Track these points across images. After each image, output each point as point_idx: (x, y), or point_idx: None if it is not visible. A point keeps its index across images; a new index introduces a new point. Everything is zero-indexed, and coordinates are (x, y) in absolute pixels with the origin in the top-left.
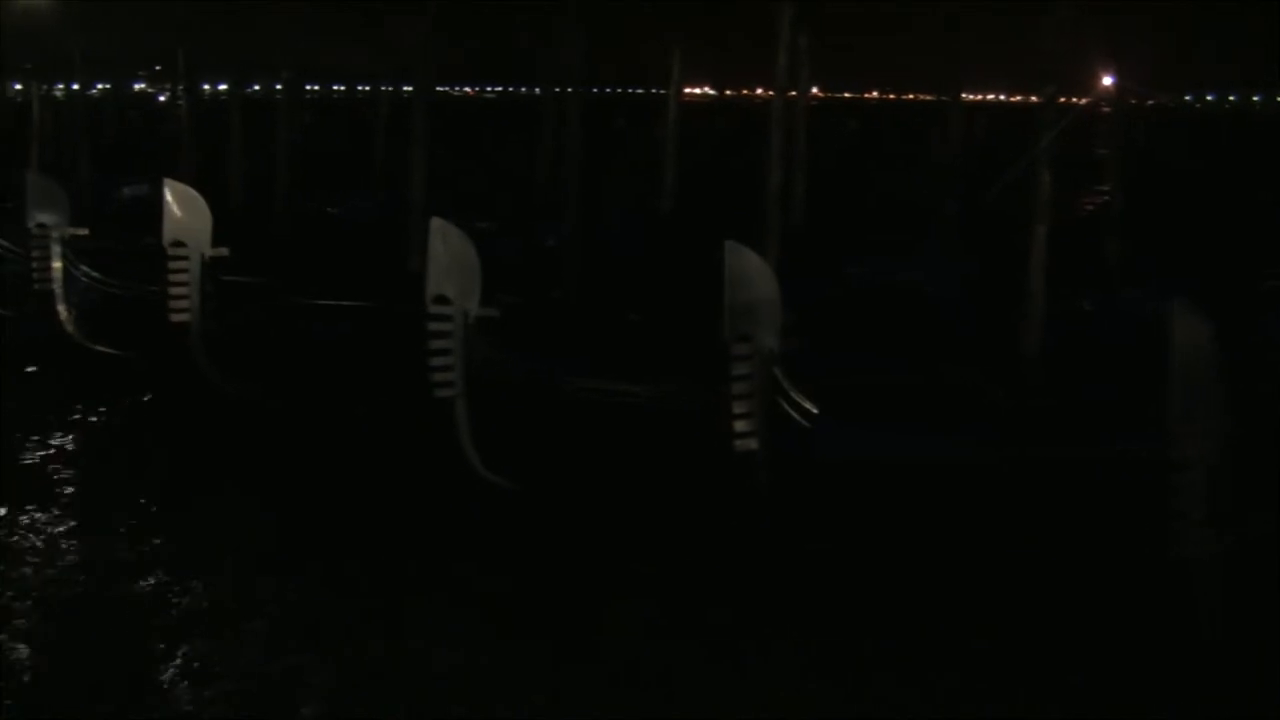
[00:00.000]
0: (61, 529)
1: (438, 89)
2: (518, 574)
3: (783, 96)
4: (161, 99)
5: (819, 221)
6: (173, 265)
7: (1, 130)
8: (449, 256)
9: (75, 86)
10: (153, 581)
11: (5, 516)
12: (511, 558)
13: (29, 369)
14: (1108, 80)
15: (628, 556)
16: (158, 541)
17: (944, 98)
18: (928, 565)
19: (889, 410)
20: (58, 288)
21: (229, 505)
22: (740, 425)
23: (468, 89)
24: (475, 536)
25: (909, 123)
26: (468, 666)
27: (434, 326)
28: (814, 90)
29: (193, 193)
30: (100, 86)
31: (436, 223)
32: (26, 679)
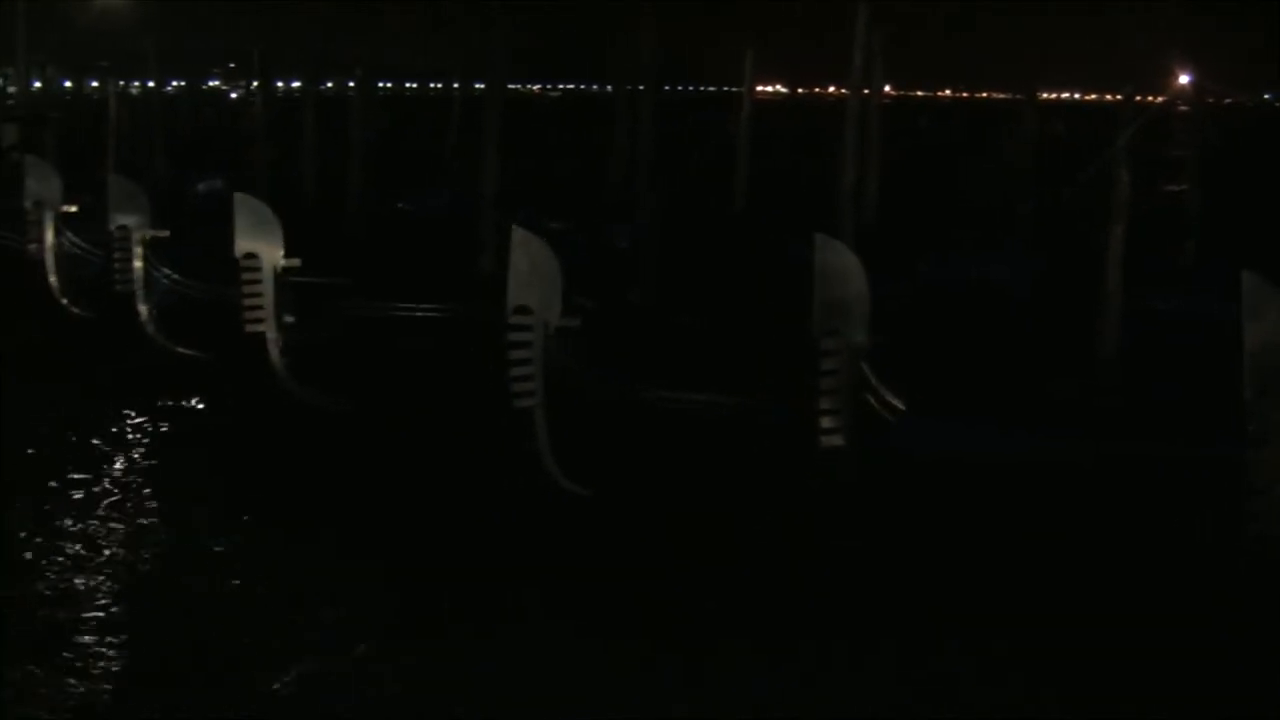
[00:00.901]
0: (136, 535)
1: (508, 86)
2: (604, 580)
3: (857, 95)
4: (233, 96)
5: (892, 220)
6: (246, 276)
7: (79, 127)
8: (530, 267)
9: (151, 84)
10: (254, 590)
11: (80, 531)
12: (596, 565)
13: (109, 371)
14: (1185, 79)
15: (711, 562)
16: (240, 541)
17: (1019, 96)
18: (1017, 561)
19: (973, 407)
20: (138, 289)
21: (302, 515)
22: (827, 421)
23: (534, 86)
24: (559, 543)
25: (983, 121)
26: (572, 667)
27: (514, 337)
28: (887, 88)
29: (263, 205)
30: (175, 84)
31: (519, 234)
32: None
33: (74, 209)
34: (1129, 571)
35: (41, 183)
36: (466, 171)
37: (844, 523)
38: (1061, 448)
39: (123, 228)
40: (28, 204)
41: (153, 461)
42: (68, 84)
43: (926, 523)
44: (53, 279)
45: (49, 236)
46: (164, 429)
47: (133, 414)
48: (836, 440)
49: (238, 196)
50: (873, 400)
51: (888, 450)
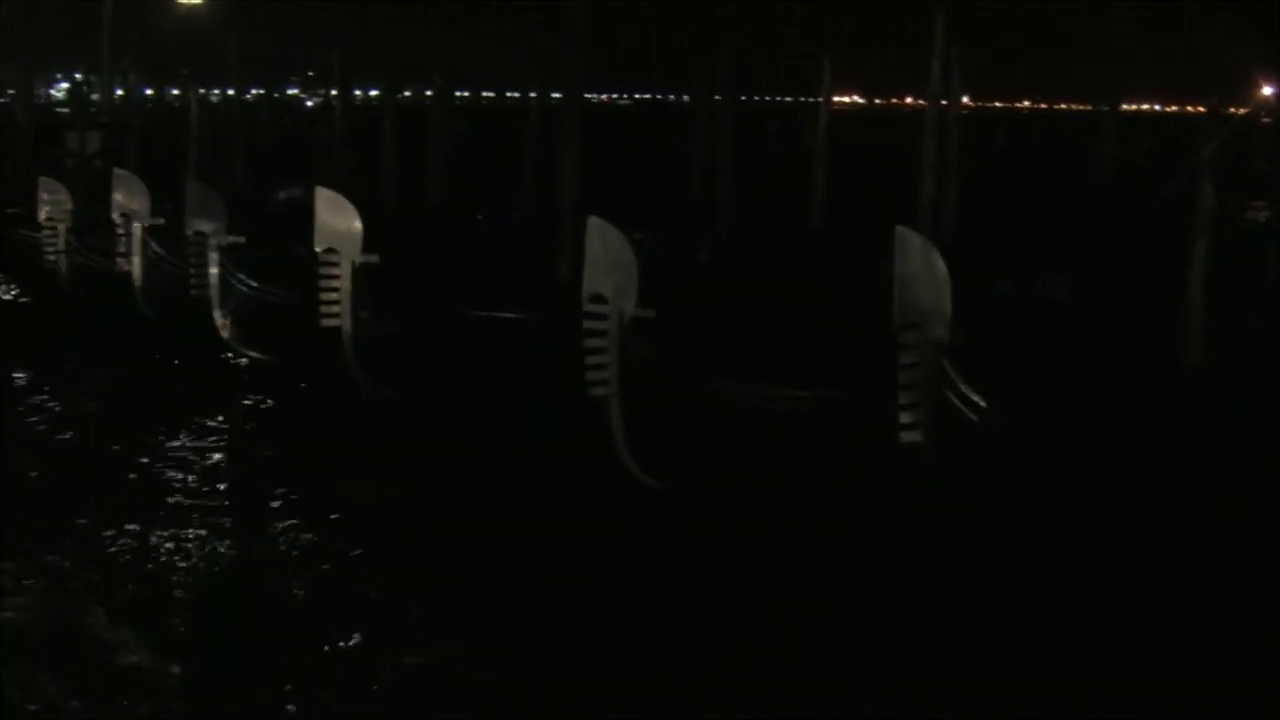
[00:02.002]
0: (212, 537)
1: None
2: (681, 576)
3: (936, 106)
4: (310, 104)
5: (971, 233)
6: (324, 271)
7: (159, 136)
8: (606, 256)
9: (230, 91)
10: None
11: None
12: (672, 558)
13: (186, 375)
14: (1268, 90)
15: (790, 557)
16: (315, 540)
17: (1100, 108)
18: (1096, 570)
19: (1055, 415)
20: (214, 295)
21: (381, 511)
22: (906, 416)
23: (602, 96)
24: (634, 537)
25: (1063, 133)
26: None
27: (589, 325)
28: (965, 99)
29: (344, 200)
30: (254, 91)
31: (595, 221)
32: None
33: (162, 222)
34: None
35: (129, 196)
36: (543, 181)
37: (923, 522)
38: (1136, 457)
39: (199, 234)
40: (115, 216)
41: (223, 456)
42: (149, 91)
43: (997, 525)
44: (138, 290)
45: (136, 249)
46: (234, 428)
47: (202, 416)
48: (916, 436)
49: (319, 190)
50: (953, 396)
51: (965, 449)
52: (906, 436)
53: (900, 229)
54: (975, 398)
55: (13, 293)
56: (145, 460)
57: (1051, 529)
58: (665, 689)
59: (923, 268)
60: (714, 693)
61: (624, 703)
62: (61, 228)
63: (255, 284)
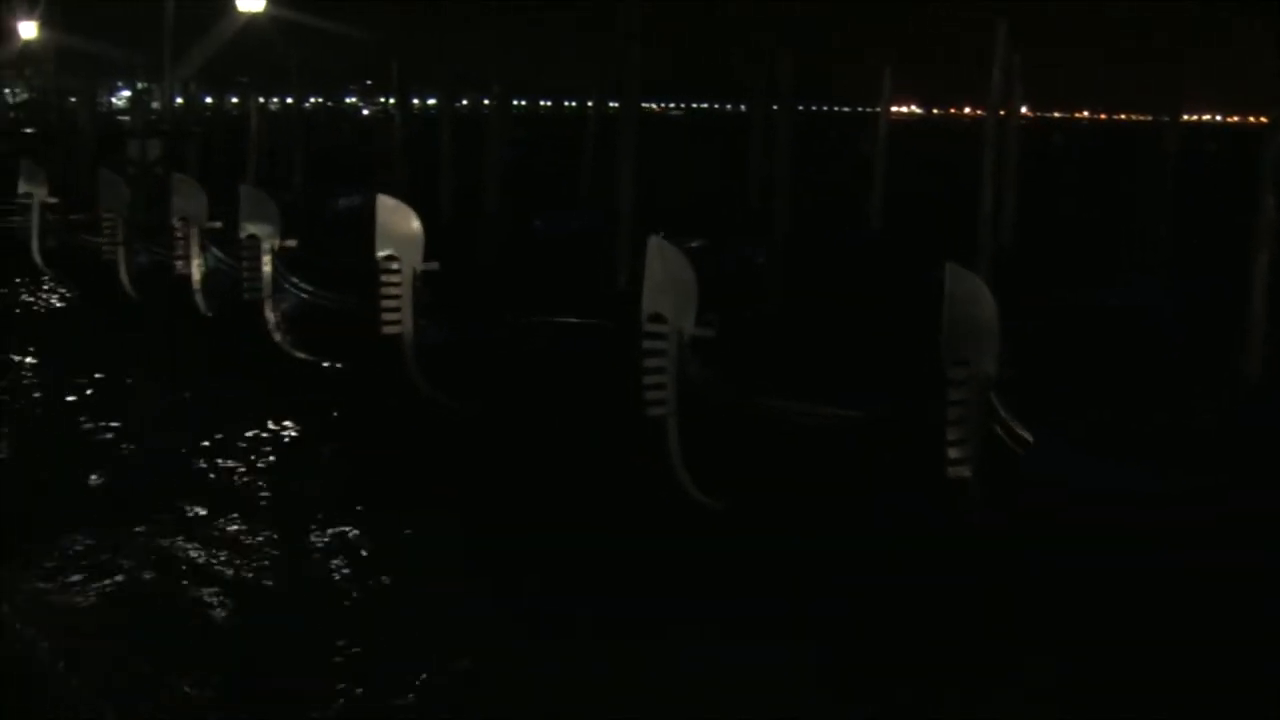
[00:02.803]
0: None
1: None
2: (738, 595)
3: (996, 115)
4: (365, 112)
5: (1030, 243)
6: (385, 279)
7: (218, 144)
8: (666, 275)
9: (289, 100)
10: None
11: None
12: (730, 578)
13: (239, 376)
14: None
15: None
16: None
17: (1160, 118)
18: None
19: (1107, 442)
20: (266, 297)
21: (438, 518)
22: (954, 452)
23: (653, 105)
24: (691, 555)
25: (1122, 143)
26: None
27: (648, 345)
28: (1023, 109)
29: (405, 207)
30: (312, 100)
31: (654, 241)
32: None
33: (219, 225)
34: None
35: (188, 199)
36: (601, 188)
37: (967, 556)
38: (1195, 485)
39: (252, 237)
40: (174, 220)
41: (279, 459)
42: (208, 99)
43: (1042, 561)
44: (197, 292)
45: (195, 252)
46: (290, 431)
47: (255, 418)
48: (963, 471)
49: (380, 197)
50: (1000, 431)
51: (1013, 483)
52: (954, 471)
53: (950, 265)
54: (1022, 432)
55: (75, 293)
56: (205, 459)
57: (1102, 553)
58: None
59: (972, 303)
60: None
61: None
62: (119, 219)
63: (308, 287)
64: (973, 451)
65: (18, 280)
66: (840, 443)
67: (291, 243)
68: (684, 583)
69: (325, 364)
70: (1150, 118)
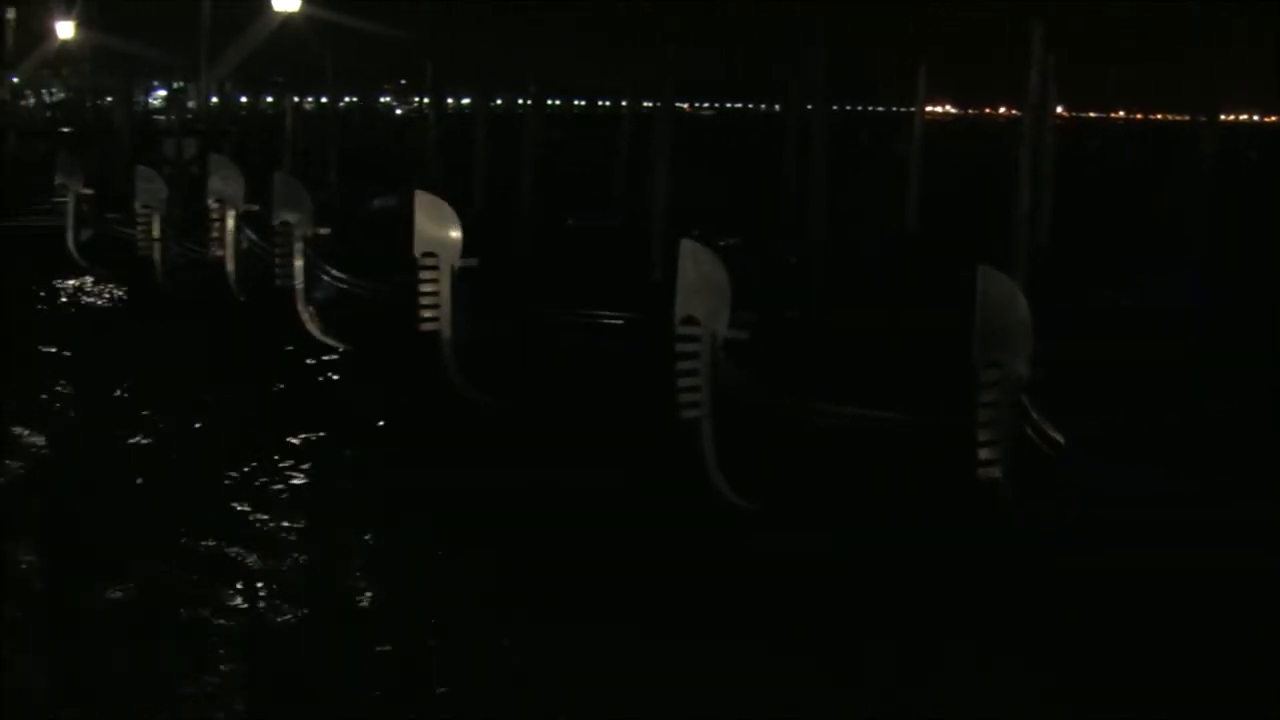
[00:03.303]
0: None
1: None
2: (774, 591)
3: (1033, 115)
4: (398, 112)
5: (1067, 244)
6: (423, 275)
7: (252, 143)
8: (699, 277)
9: (324, 99)
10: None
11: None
12: (767, 576)
13: (275, 361)
14: None
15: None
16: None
17: (1198, 117)
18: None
19: (1142, 443)
20: (299, 284)
21: (471, 514)
22: (984, 453)
23: (683, 105)
24: (727, 556)
25: (1159, 143)
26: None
27: (681, 347)
28: (1059, 109)
29: (444, 204)
30: (347, 99)
31: (687, 244)
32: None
33: (256, 208)
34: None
35: (225, 181)
36: (634, 188)
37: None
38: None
39: (285, 224)
40: (210, 202)
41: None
42: (243, 99)
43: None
44: (231, 274)
45: (229, 235)
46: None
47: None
48: (995, 473)
49: (419, 194)
50: (1032, 433)
51: (1045, 486)
52: (985, 473)
53: (982, 266)
54: (1055, 434)
55: (110, 285)
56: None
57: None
58: None
59: (1004, 305)
60: None
61: None
62: (155, 215)
63: (341, 275)
64: (1004, 453)
65: (54, 273)
66: (882, 446)
67: (325, 230)
68: (717, 582)
69: (356, 351)
70: (1188, 117)
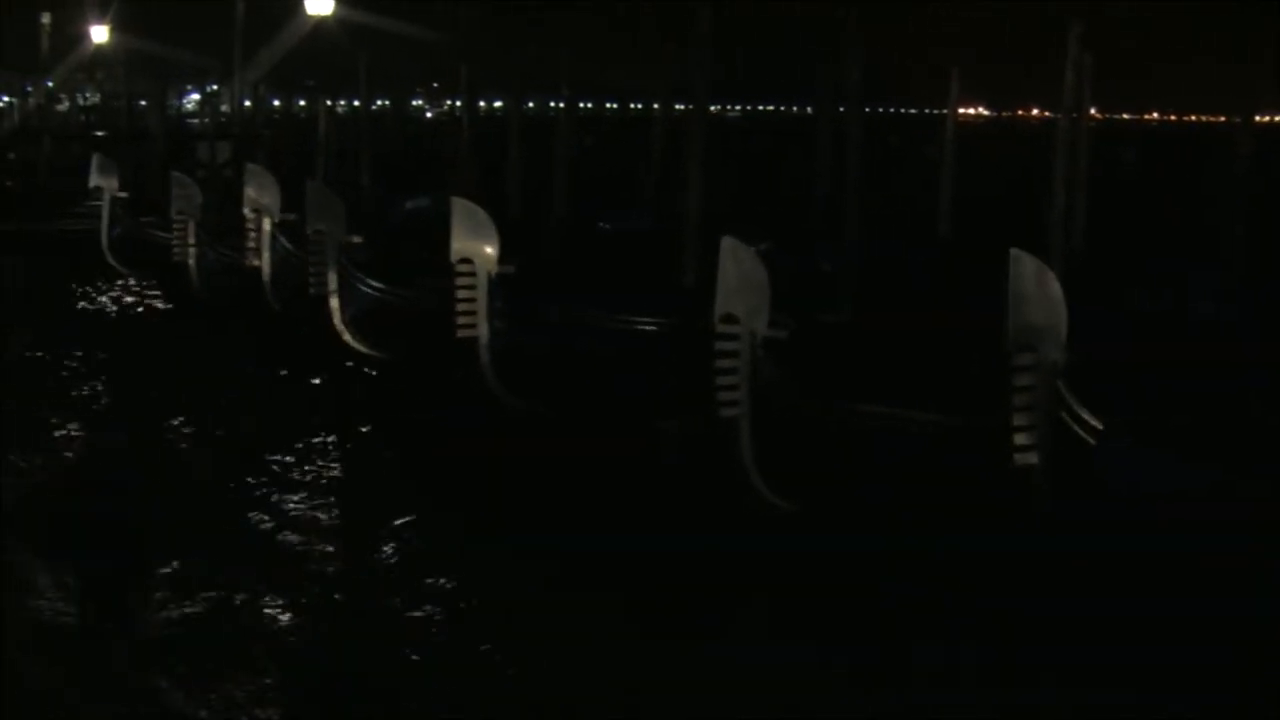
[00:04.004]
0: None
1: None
2: (815, 596)
3: (1069, 117)
4: (429, 115)
5: (1102, 246)
6: (460, 281)
7: (285, 147)
8: (738, 276)
9: (356, 103)
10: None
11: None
12: (807, 580)
13: (306, 368)
14: None
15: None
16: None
17: (1234, 119)
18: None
19: (1183, 437)
20: (332, 292)
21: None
22: (1020, 439)
23: (713, 108)
24: (767, 557)
25: (1193, 145)
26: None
27: (721, 346)
28: (1093, 111)
29: (481, 210)
30: (380, 102)
31: (727, 242)
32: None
33: (292, 217)
34: None
35: (260, 190)
36: (667, 190)
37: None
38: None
39: (318, 232)
40: (246, 211)
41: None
42: (276, 102)
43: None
44: (267, 282)
45: (265, 243)
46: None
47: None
48: (1031, 459)
49: (456, 201)
50: (1069, 419)
51: (1083, 473)
52: (1021, 459)
53: (1014, 251)
54: (1092, 420)
55: (145, 290)
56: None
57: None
58: None
59: (1036, 289)
60: None
61: None
62: (191, 223)
63: (376, 284)
64: (1040, 439)
65: (89, 275)
66: (920, 446)
67: (357, 239)
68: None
69: (392, 359)
70: (1223, 118)
